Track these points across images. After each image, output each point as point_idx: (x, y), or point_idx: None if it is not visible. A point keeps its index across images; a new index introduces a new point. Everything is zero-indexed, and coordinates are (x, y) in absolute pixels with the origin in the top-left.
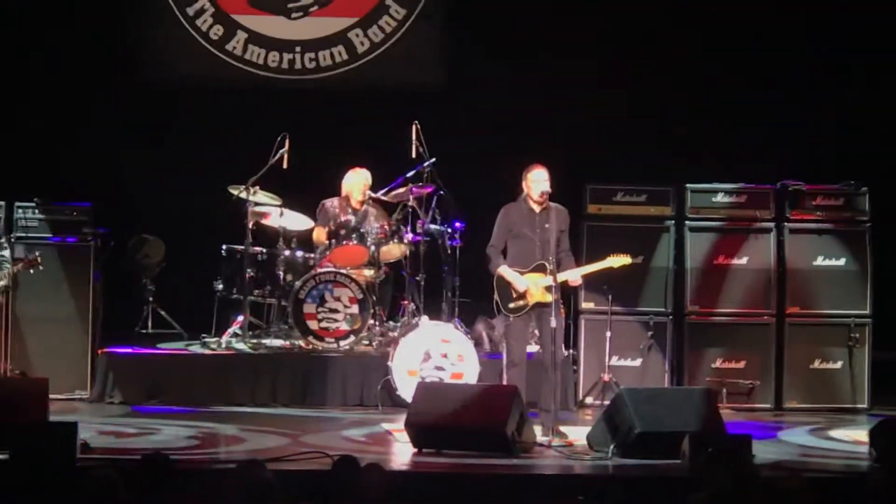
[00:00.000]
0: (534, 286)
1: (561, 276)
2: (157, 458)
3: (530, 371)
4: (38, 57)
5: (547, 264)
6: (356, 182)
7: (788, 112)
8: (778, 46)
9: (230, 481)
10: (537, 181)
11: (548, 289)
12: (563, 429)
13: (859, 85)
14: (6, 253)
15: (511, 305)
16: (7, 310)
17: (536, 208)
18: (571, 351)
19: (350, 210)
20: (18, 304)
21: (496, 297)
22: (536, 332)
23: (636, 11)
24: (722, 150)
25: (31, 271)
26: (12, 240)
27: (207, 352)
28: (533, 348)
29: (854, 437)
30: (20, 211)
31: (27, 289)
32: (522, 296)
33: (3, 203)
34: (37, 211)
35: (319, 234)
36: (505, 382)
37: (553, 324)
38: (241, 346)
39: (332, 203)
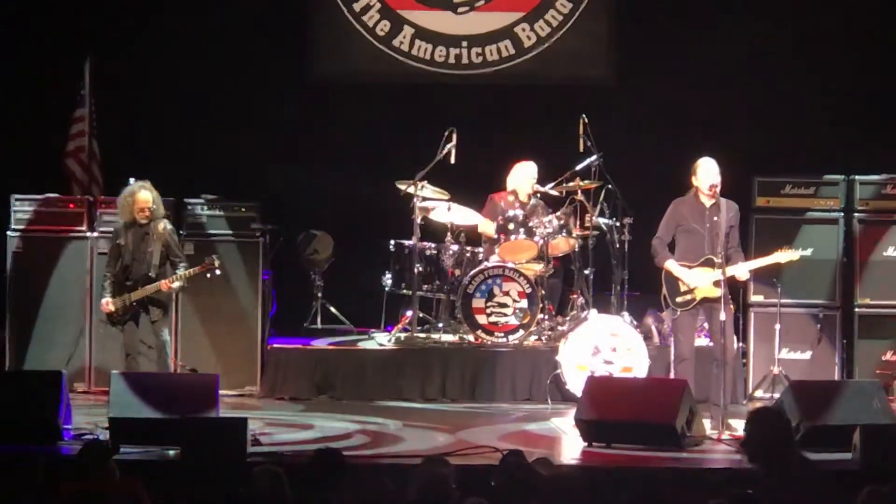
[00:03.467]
0: (702, 280)
1: (729, 271)
2: (328, 452)
3: (699, 364)
4: (207, 52)
5: (715, 258)
6: (523, 176)
7: None
8: None
9: (413, 476)
10: (707, 173)
11: (716, 283)
12: (732, 422)
13: None
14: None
15: (678, 300)
16: (177, 307)
17: (707, 202)
18: (741, 344)
19: (518, 204)
20: (188, 301)
21: (664, 290)
22: (706, 325)
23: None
24: (892, 141)
25: (208, 276)
26: (182, 234)
27: (376, 347)
28: (701, 342)
29: None
30: (189, 208)
31: (197, 286)
32: (690, 290)
33: (172, 199)
34: (206, 208)
35: (487, 229)
36: (674, 377)
37: (722, 317)
38: (410, 341)
39: (499, 197)
